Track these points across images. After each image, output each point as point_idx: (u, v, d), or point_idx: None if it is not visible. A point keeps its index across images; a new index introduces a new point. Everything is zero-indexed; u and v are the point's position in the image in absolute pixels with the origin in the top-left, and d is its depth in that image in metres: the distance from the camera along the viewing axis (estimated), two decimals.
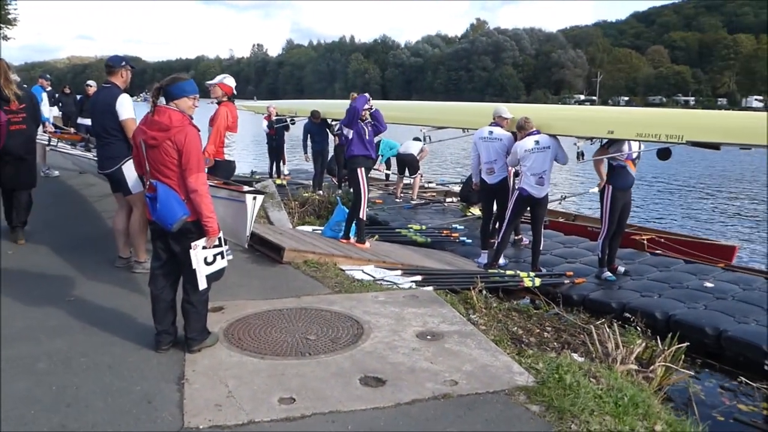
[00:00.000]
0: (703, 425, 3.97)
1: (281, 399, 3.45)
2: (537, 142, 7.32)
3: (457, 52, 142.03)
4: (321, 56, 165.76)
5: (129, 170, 5.39)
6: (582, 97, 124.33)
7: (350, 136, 7.47)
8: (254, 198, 5.22)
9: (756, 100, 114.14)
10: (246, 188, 5.54)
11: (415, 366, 3.91)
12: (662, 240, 9.10)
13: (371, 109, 7.53)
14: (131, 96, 5.79)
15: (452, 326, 4.63)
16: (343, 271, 6.27)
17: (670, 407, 4.64)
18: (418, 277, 6.33)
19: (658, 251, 8.73)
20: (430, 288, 5.85)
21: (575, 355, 4.73)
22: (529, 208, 7.65)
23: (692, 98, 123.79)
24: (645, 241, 9.01)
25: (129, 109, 5.49)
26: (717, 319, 6.06)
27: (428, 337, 4.41)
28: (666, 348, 5.00)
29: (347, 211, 7.79)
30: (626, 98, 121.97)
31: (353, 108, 7.44)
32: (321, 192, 11.81)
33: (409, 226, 9.57)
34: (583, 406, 3.38)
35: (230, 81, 6.81)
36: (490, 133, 7.87)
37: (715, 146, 6.81)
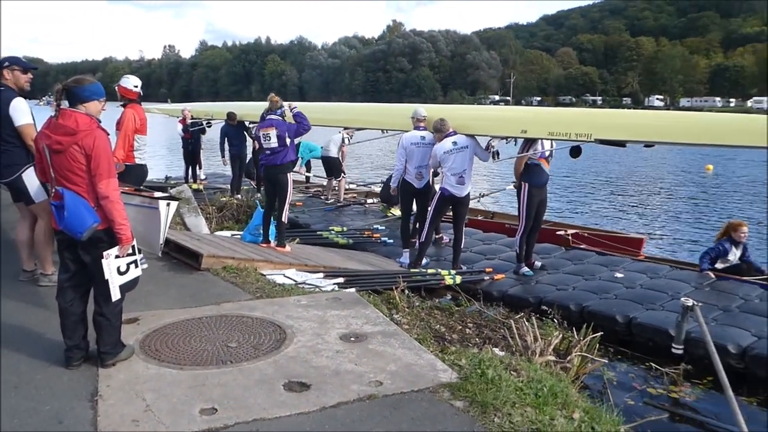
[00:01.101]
0: (617, 410, 4.15)
1: (202, 410, 3.35)
2: (455, 143, 7.44)
3: (375, 53, 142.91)
4: (236, 58, 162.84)
5: (30, 178, 5.11)
6: (497, 97, 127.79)
7: (283, 143, 7.40)
8: (168, 204, 5.05)
9: (657, 99, 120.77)
10: (159, 194, 5.34)
11: (339, 368, 3.89)
12: (585, 235, 9.47)
13: (293, 109, 7.52)
14: (32, 99, 5.46)
15: (376, 327, 4.63)
16: (264, 276, 6.17)
17: (586, 395, 4.82)
18: (341, 279, 6.31)
19: (582, 246, 9.06)
20: (353, 290, 5.84)
21: (496, 350, 4.83)
22: (451, 208, 7.77)
23: (599, 98, 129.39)
24: (570, 237, 9.33)
25: (25, 114, 5.16)
26: (627, 307, 6.34)
27: (352, 338, 4.40)
28: (581, 338, 5.19)
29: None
30: (538, 98, 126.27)
31: (303, 124, 7.45)
32: (240, 196, 11.58)
33: (331, 228, 9.53)
34: (505, 399, 3.46)
35: (127, 82, 6.49)
36: (422, 138, 7.90)
37: (621, 144, 7.13)
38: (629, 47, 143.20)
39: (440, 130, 7.57)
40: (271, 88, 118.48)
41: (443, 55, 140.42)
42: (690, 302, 5.21)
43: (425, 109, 8.32)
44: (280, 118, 7.50)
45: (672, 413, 4.84)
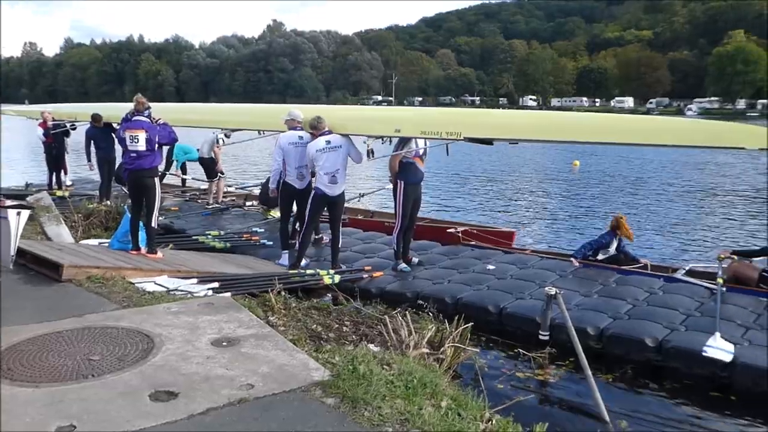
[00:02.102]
0: (486, 395, 4.34)
1: (59, 428, 3.17)
2: (328, 142, 7.47)
3: (255, 53, 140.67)
4: (106, 56, 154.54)
5: None
6: (379, 98, 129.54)
7: (152, 147, 7.12)
8: (18, 213, 4.72)
9: (531, 99, 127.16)
10: (8, 203, 4.98)
11: (210, 374, 3.80)
12: (474, 231, 9.79)
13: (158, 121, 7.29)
14: None
15: (249, 330, 4.57)
16: (133, 284, 5.91)
17: (459, 383, 5.02)
18: (215, 284, 6.16)
19: (472, 242, 9.38)
20: (228, 294, 5.73)
21: (371, 346, 4.90)
22: (327, 207, 7.79)
23: (477, 98, 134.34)
24: (460, 234, 9.63)
25: None
26: (498, 297, 6.65)
27: (224, 343, 4.31)
28: (454, 329, 5.37)
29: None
30: (420, 99, 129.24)
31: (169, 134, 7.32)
32: (109, 202, 10.95)
33: (207, 232, 9.27)
34: (376, 393, 3.53)
35: None
36: (300, 138, 7.84)
37: (489, 141, 7.46)
38: (503, 50, 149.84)
39: (316, 128, 7.57)
40: (146, 88, 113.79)
41: (325, 55, 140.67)
42: (553, 291, 5.54)
43: (307, 110, 8.33)
44: (148, 119, 7.21)
45: (538, 394, 5.13)
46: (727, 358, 5.23)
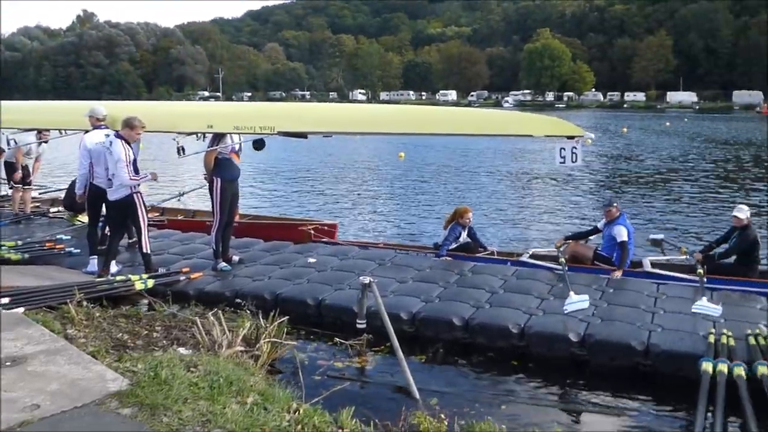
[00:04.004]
0: (301, 386, 4.41)
1: None
2: (107, 136, 7.13)
3: (64, 46, 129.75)
4: None
5: None
6: (206, 93, 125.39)
7: None
8: None
9: (360, 93, 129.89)
10: None
11: None
12: (325, 228, 9.79)
13: None
14: None
15: (39, 346, 4.22)
16: None
17: (277, 378, 5.02)
18: (5, 300, 5.60)
19: (324, 239, 9.38)
20: (20, 309, 5.24)
21: (182, 350, 4.76)
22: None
23: (308, 93, 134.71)
24: (312, 231, 9.54)
25: None
26: (317, 290, 6.73)
27: (8, 363, 3.95)
28: (269, 324, 5.36)
29: None
30: (248, 94, 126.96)
31: None
32: None
33: (2, 243, 8.40)
34: (177, 397, 3.43)
35: None
36: (107, 136, 7.31)
37: (303, 135, 7.51)
38: (332, 44, 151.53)
39: (135, 126, 7.11)
40: None
41: (145, 49, 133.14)
42: (367, 280, 5.69)
43: (127, 108, 7.83)
44: None
45: (355, 381, 5.26)
46: (585, 305, 5.91)
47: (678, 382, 5.03)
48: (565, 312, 5.90)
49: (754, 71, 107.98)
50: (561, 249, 8.02)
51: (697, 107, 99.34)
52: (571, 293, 6.18)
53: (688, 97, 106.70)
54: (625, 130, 47.97)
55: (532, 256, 8.30)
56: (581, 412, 4.77)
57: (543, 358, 5.60)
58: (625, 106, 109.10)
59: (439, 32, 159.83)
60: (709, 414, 4.29)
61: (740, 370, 4.66)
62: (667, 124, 57.10)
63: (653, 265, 7.84)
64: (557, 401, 4.94)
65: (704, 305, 6.08)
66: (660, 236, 9.63)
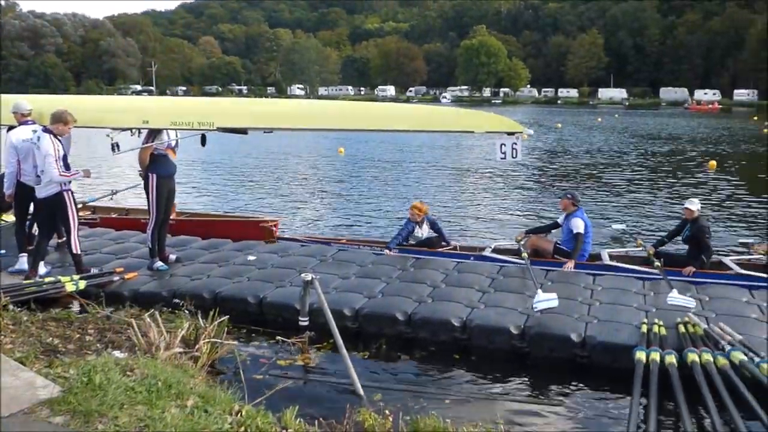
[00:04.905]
0: (243, 387, 4.32)
1: None
2: (35, 132, 6.84)
3: None
4: None
5: None
6: (139, 87, 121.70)
7: None
8: None
9: (298, 88, 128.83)
10: None
11: None
12: (266, 224, 9.58)
13: None
14: None
15: None
16: None
17: (218, 379, 4.91)
18: None
19: (286, 236, 9.28)
20: None
21: (117, 353, 4.59)
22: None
23: (245, 87, 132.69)
24: (274, 228, 9.34)
25: None
26: (258, 287, 6.63)
27: None
28: (209, 324, 5.23)
29: None
30: (183, 88, 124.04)
31: None
32: None
33: None
34: (113, 403, 3.30)
35: None
36: (34, 131, 6.96)
37: (243, 131, 7.38)
38: (269, 38, 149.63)
39: (66, 121, 6.79)
40: None
41: (72, 40, 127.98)
42: (309, 276, 5.64)
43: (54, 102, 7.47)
44: None
45: (298, 379, 5.20)
46: (554, 303, 5.83)
47: (614, 372, 5.18)
48: (535, 310, 5.85)
49: (680, 69, 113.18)
50: (522, 243, 8.11)
51: (627, 103, 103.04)
52: (539, 291, 6.16)
53: (619, 93, 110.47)
54: (559, 125, 49.24)
55: (495, 251, 8.34)
56: (522, 403, 4.86)
57: (485, 350, 5.67)
58: (559, 102, 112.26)
59: (377, 27, 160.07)
60: (644, 401, 4.44)
61: (672, 358, 4.84)
62: (599, 119, 58.93)
63: (611, 257, 8.00)
64: (499, 393, 5.01)
65: (677, 297, 6.11)
66: (622, 226, 10.03)
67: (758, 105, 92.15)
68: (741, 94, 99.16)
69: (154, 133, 7.37)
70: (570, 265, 7.50)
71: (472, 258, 8.00)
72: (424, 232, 8.54)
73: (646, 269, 7.40)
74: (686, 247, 7.86)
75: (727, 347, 4.98)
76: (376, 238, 9.88)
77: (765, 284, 6.82)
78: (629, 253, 8.35)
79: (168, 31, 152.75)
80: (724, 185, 18.19)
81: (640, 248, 8.19)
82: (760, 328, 5.55)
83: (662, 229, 11.14)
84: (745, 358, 4.78)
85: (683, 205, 8.06)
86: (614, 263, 7.75)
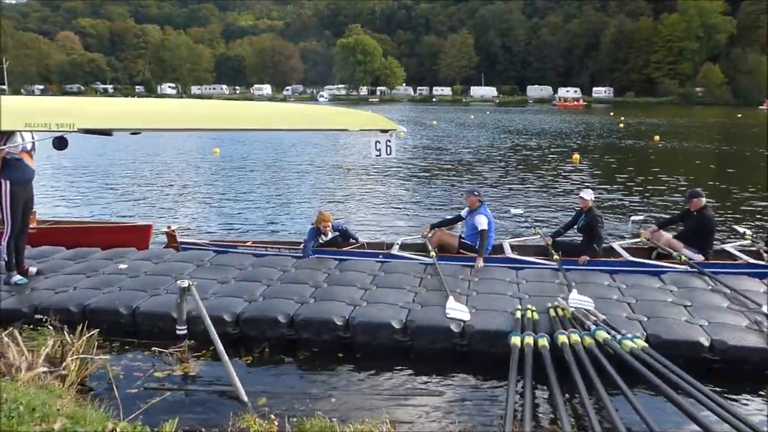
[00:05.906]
0: (117, 403, 4.09)
1: None
2: None
3: None
4: None
5: None
6: None
7: None
8: None
9: (169, 87, 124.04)
10: None
11: None
12: (138, 230, 9.21)
13: None
14: None
15: None
16: None
17: (89, 397, 4.63)
18: None
19: (188, 241, 8.91)
20: None
21: None
22: None
23: (111, 86, 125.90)
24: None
25: None
26: (131, 297, 6.30)
27: None
28: (77, 340, 4.91)
29: None
30: (41, 87, 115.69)
31: None
32: None
33: None
34: None
35: None
36: None
37: (108, 132, 6.96)
38: (136, 34, 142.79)
39: None
40: None
41: None
42: (186, 283, 5.41)
43: None
44: None
45: (177, 390, 4.99)
46: (466, 317, 5.80)
47: (493, 358, 5.40)
48: (448, 316, 5.84)
49: (544, 68, 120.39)
50: (428, 236, 8.21)
51: (497, 101, 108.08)
52: (450, 298, 6.19)
53: (489, 91, 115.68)
54: (434, 122, 50.72)
55: (402, 247, 8.39)
56: (407, 395, 4.95)
57: (369, 347, 5.73)
58: (434, 100, 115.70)
59: (251, 25, 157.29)
60: (520, 383, 4.66)
61: (544, 341, 5.13)
62: (472, 117, 61.34)
63: (513, 248, 8.27)
64: (384, 389, 5.08)
65: (576, 298, 6.18)
66: (519, 210, 10.46)
67: (614, 102, 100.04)
68: (599, 92, 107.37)
69: (6, 136, 6.80)
70: (479, 264, 7.62)
71: (380, 256, 8.02)
72: (328, 234, 8.44)
73: (545, 261, 7.76)
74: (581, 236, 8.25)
75: (593, 327, 5.34)
76: (281, 239, 9.65)
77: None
78: (527, 242, 8.74)
79: (21, 24, 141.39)
80: (586, 176, 19.53)
81: (538, 237, 8.60)
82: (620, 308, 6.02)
83: (539, 219, 11.81)
84: (608, 336, 5.15)
85: (578, 194, 8.41)
86: (516, 256, 7.98)
